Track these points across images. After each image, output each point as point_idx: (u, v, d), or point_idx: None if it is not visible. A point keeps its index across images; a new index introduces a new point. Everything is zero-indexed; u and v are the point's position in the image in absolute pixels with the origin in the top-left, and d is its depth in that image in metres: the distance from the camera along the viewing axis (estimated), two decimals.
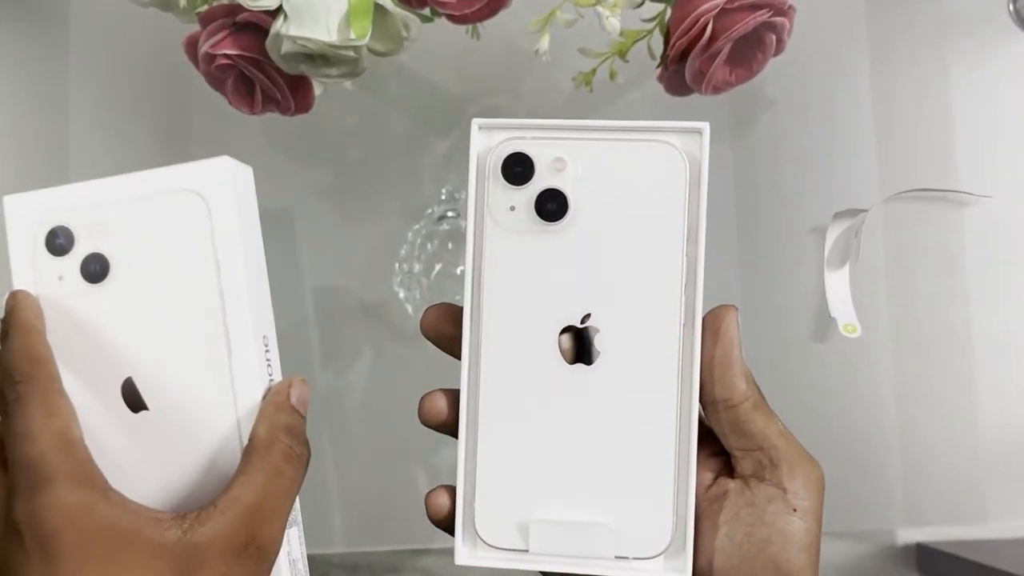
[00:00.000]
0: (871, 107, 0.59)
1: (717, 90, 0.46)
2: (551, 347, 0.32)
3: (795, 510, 0.31)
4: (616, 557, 0.32)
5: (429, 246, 0.59)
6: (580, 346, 0.32)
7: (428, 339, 0.35)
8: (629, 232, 0.32)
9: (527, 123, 0.32)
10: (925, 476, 0.58)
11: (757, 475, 0.32)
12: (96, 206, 0.35)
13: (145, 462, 0.34)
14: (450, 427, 0.34)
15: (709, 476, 0.33)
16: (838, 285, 0.55)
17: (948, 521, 0.58)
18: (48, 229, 0.35)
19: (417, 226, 0.59)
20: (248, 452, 0.33)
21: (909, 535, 0.59)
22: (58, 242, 0.35)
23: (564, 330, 0.32)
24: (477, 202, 0.32)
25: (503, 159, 0.32)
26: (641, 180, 0.32)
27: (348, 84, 0.52)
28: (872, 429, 0.58)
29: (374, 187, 0.60)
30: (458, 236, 0.58)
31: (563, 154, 0.32)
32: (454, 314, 0.34)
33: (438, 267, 0.58)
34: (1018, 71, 0.59)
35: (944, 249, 0.58)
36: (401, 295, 0.58)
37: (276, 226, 0.58)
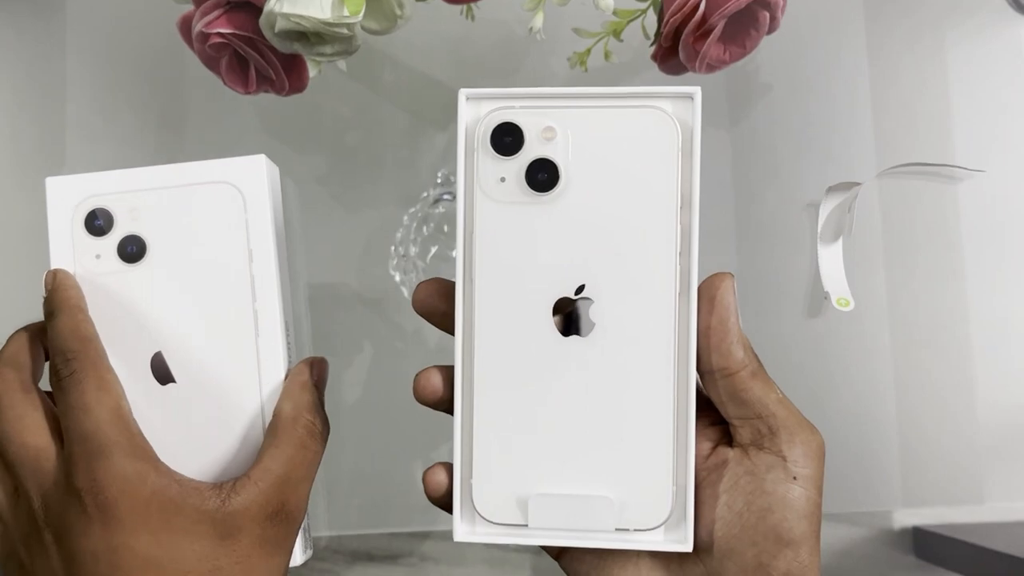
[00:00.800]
0: (868, 86, 0.59)
1: (711, 68, 0.46)
2: (545, 320, 0.32)
3: (795, 478, 0.31)
4: (617, 529, 0.32)
5: (425, 229, 0.59)
6: (575, 318, 0.32)
7: (421, 315, 0.35)
8: (621, 200, 0.31)
9: (515, 92, 0.32)
10: (922, 457, 0.58)
11: (756, 443, 0.32)
12: (135, 191, 0.37)
13: (172, 433, 0.36)
14: (446, 404, 0.34)
15: (707, 445, 0.33)
16: (831, 259, 0.55)
17: (945, 502, 0.58)
18: (88, 210, 0.37)
19: (413, 209, 0.59)
20: (275, 427, 0.35)
21: (906, 516, 0.59)
22: (97, 223, 0.37)
23: (558, 302, 0.32)
24: (467, 174, 0.32)
25: (492, 129, 0.32)
26: (633, 147, 0.31)
27: (342, 64, 0.52)
28: (868, 409, 0.58)
29: (370, 173, 0.60)
30: (454, 219, 0.57)
31: (553, 123, 0.32)
32: (446, 289, 0.34)
33: (434, 250, 0.58)
34: (1014, 54, 0.59)
35: (941, 228, 0.58)
36: (397, 278, 0.58)
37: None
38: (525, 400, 0.32)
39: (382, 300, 0.59)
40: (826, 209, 0.55)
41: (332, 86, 0.59)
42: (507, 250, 0.32)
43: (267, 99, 0.50)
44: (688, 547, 0.32)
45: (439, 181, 0.59)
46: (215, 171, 0.37)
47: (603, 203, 0.32)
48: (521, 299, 0.32)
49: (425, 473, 0.33)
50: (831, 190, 0.57)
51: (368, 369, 0.59)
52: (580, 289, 0.32)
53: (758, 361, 0.33)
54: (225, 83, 0.47)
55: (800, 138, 0.59)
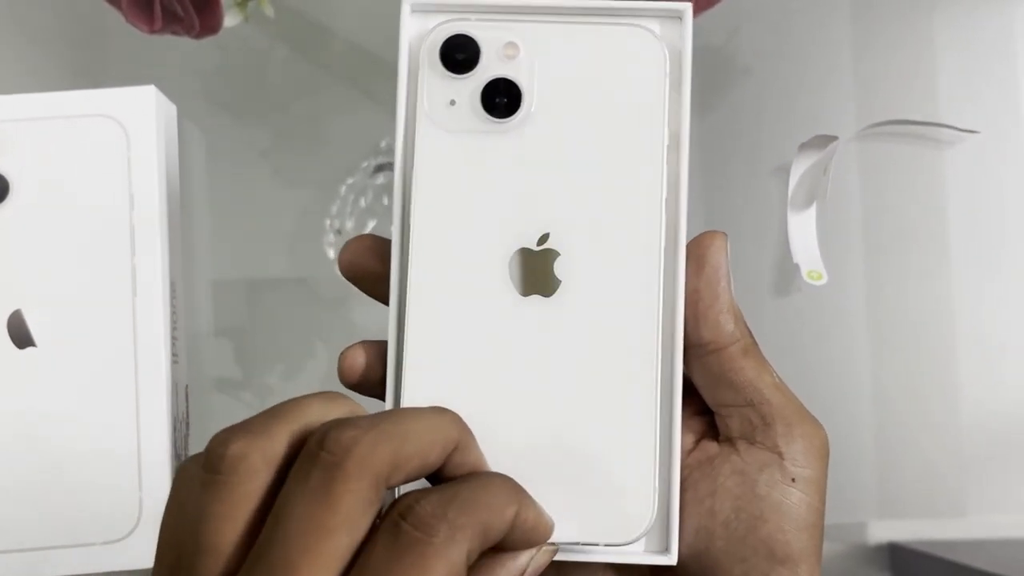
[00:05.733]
0: (849, 43, 0.55)
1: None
2: (500, 274, 0.26)
3: (794, 480, 0.26)
4: (583, 544, 0.26)
5: (363, 201, 0.55)
6: (536, 273, 0.26)
7: (349, 279, 0.29)
8: (596, 134, 0.26)
9: (471, 3, 0.27)
10: (900, 465, 0.54)
11: (747, 436, 0.27)
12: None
13: (29, 404, 0.31)
14: (377, 387, 0.28)
15: (690, 439, 0.28)
16: (803, 227, 0.50)
17: (924, 515, 0.55)
18: None
19: (351, 181, 0.55)
20: None
21: (881, 530, 0.55)
22: None
23: (516, 253, 0.26)
24: (407, 97, 0.27)
25: (442, 42, 0.26)
26: (611, 72, 0.26)
27: (269, 9, 0.48)
28: (841, 408, 0.55)
29: (306, 141, 0.56)
30: (394, 190, 0.54)
31: (516, 39, 0.26)
32: (380, 247, 0.28)
33: (372, 224, 0.54)
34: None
35: (925, 205, 0.55)
36: (331, 255, 0.54)
37: (196, 182, 0.53)
38: (470, 376, 0.26)
39: (315, 279, 0.55)
40: (798, 170, 0.50)
41: (264, 45, 0.54)
42: (454, 189, 0.26)
43: (190, 57, 0.45)
44: (672, 559, 0.26)
45: (382, 147, 0.55)
46: (95, 102, 0.33)
47: (573, 136, 0.26)
48: (469, 249, 0.26)
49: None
50: (804, 147, 0.51)
51: (299, 354, 0.54)
52: (544, 239, 0.26)
53: (751, 337, 0.28)
54: (127, 19, 0.42)
55: (771, 93, 0.55)
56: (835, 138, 0.51)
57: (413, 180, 0.26)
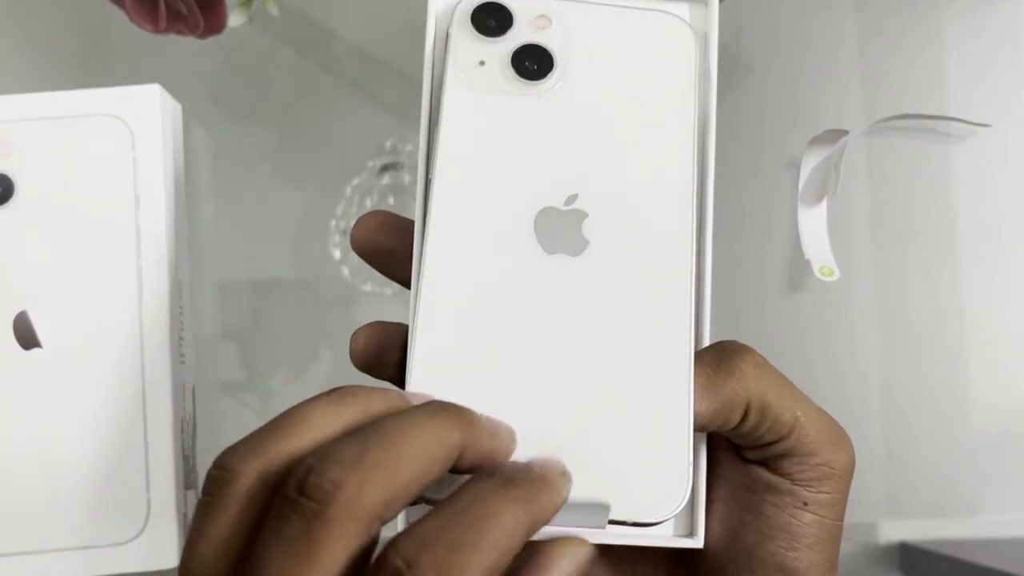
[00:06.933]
0: (856, 37, 0.55)
1: None
2: (525, 232, 0.25)
3: (806, 504, 0.25)
4: (611, 522, 0.24)
5: (368, 202, 0.54)
6: (563, 232, 0.25)
7: (360, 255, 0.27)
8: (627, 107, 0.26)
9: None
10: (910, 464, 0.54)
11: (760, 460, 0.25)
12: (4, 123, 0.32)
13: (35, 406, 0.31)
14: (390, 368, 0.26)
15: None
16: (814, 223, 0.49)
17: (935, 514, 0.54)
18: None
19: (357, 181, 0.54)
20: None
21: (892, 530, 0.54)
22: None
23: (542, 212, 0.25)
24: (434, 57, 0.26)
25: (473, 7, 0.26)
26: (642, 53, 0.26)
27: (274, 9, 0.47)
28: (850, 406, 0.54)
29: (311, 141, 0.55)
30: (400, 189, 0.54)
31: (548, 12, 0.26)
32: (393, 223, 0.27)
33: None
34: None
35: (934, 202, 0.54)
36: (337, 256, 0.54)
37: (201, 182, 0.53)
38: (490, 338, 0.24)
39: (320, 280, 0.54)
40: (808, 165, 0.50)
41: (268, 45, 0.54)
42: (479, 147, 0.25)
43: (194, 57, 0.45)
44: (699, 543, 0.25)
45: (388, 148, 0.54)
46: (100, 101, 0.32)
47: (604, 106, 0.26)
48: (492, 206, 0.25)
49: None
50: (814, 142, 0.51)
51: (305, 356, 0.54)
52: (572, 199, 0.25)
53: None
54: (131, 18, 0.42)
55: (780, 88, 0.54)
56: (846, 132, 0.50)
57: (438, 135, 0.25)
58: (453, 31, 0.26)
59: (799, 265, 0.52)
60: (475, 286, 0.24)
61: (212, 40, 0.46)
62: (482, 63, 0.26)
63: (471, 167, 0.25)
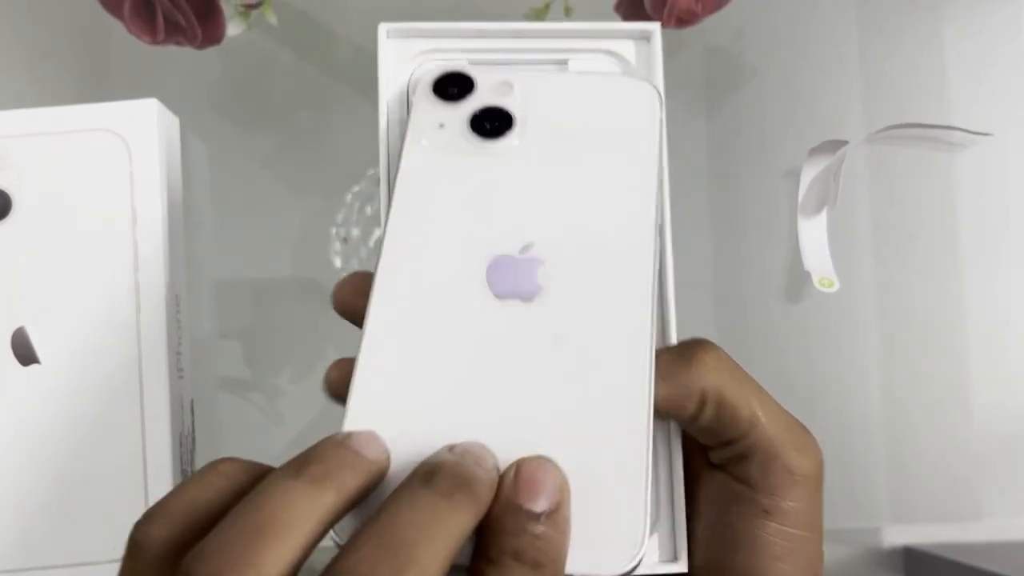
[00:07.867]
0: (856, 44, 0.54)
1: (682, 22, 0.41)
2: (476, 277, 0.25)
3: (767, 512, 0.24)
4: None
5: (369, 209, 0.54)
6: (516, 279, 0.25)
7: (341, 314, 0.28)
8: (587, 164, 0.26)
9: (450, 28, 0.27)
10: (913, 467, 0.53)
11: (724, 465, 0.25)
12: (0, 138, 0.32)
13: (33, 423, 0.31)
14: None
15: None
16: (814, 233, 0.49)
17: (939, 518, 0.54)
18: None
19: (357, 188, 0.54)
20: None
21: (896, 534, 0.54)
22: None
23: (496, 260, 0.25)
24: (390, 124, 0.27)
25: (436, 77, 0.26)
26: (605, 115, 0.27)
27: (273, 18, 0.47)
28: (853, 411, 0.53)
29: (311, 149, 0.55)
30: None
31: (512, 79, 0.27)
32: (368, 287, 0.27)
33: (378, 232, 0.54)
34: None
35: (936, 208, 0.54)
36: (338, 264, 0.54)
37: (201, 192, 0.53)
38: (434, 380, 0.23)
39: (321, 289, 0.54)
40: (808, 175, 0.50)
41: (267, 54, 0.54)
42: (434, 201, 0.25)
43: (193, 67, 0.44)
44: (683, 566, 0.25)
45: None
46: (96, 116, 0.32)
47: (564, 160, 0.26)
48: (443, 253, 0.25)
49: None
50: (814, 152, 0.51)
51: (305, 365, 0.53)
52: (527, 248, 0.25)
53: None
54: (129, 30, 0.42)
55: (780, 99, 0.54)
56: (845, 143, 0.50)
57: (393, 191, 0.26)
58: (415, 100, 0.26)
59: (799, 275, 0.52)
60: (419, 329, 0.24)
61: (210, 50, 0.46)
62: (442, 125, 0.26)
63: (424, 219, 0.25)
